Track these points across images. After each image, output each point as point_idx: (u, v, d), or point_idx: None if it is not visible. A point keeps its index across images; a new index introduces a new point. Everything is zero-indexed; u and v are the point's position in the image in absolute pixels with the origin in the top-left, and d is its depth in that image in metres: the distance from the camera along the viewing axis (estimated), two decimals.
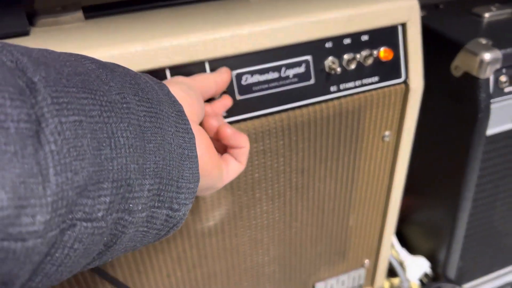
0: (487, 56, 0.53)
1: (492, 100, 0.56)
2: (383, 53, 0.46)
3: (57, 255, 0.19)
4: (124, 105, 0.23)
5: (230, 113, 0.43)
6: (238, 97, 0.43)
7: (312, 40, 0.43)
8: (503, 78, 0.56)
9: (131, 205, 0.23)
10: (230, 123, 0.43)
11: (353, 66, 0.45)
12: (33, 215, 0.17)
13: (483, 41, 0.56)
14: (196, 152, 0.29)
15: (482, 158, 0.60)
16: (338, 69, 0.44)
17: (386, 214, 0.59)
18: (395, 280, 0.71)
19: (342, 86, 0.46)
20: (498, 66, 0.54)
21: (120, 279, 0.47)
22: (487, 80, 0.55)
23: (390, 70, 0.47)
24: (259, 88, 0.43)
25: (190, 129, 0.29)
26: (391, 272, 0.72)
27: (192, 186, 0.29)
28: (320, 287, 0.62)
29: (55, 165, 0.18)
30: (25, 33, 0.41)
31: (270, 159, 0.47)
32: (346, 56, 0.45)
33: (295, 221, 0.54)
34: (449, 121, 0.61)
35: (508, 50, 0.54)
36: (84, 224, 0.20)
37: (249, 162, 0.46)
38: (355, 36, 0.45)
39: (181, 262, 0.50)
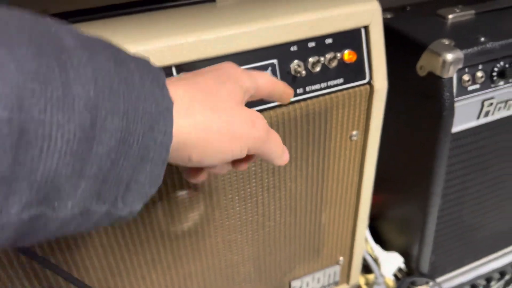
0: (449, 56, 0.55)
1: (456, 99, 0.59)
2: (347, 55, 0.47)
3: None
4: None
5: None
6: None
7: (277, 44, 0.44)
8: (466, 77, 0.58)
9: (56, 204, 0.21)
10: None
11: (318, 68, 0.47)
12: None
13: (446, 41, 0.58)
14: (166, 156, 0.25)
15: (449, 155, 0.62)
16: (304, 72, 0.46)
17: (358, 211, 0.61)
18: (370, 276, 0.73)
19: (308, 88, 0.47)
20: (460, 65, 0.56)
21: (94, 282, 0.48)
22: (451, 79, 0.57)
23: (354, 71, 0.49)
24: None
25: (170, 132, 0.25)
26: (366, 269, 0.74)
27: (147, 191, 0.26)
28: (296, 285, 0.64)
29: None
30: None
31: None
32: (311, 59, 0.46)
33: (268, 221, 0.55)
34: (417, 119, 0.63)
35: (470, 50, 0.56)
36: None
37: None
38: (319, 39, 0.46)
39: (155, 264, 0.50)
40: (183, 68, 0.41)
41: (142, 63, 0.26)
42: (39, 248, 0.43)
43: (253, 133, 0.30)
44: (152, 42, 0.39)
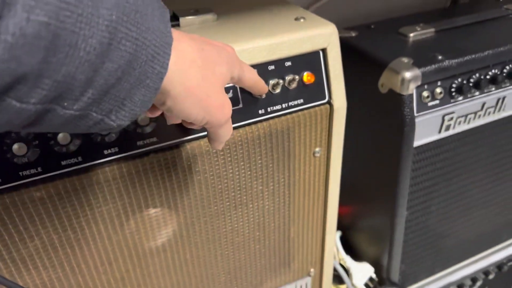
0: (407, 74, 0.58)
1: (416, 114, 0.61)
2: (306, 77, 0.50)
3: None
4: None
5: (162, 138, 0.45)
6: (171, 123, 0.45)
7: None
8: (425, 94, 0.61)
9: (65, 104, 0.25)
10: (163, 148, 0.46)
11: (278, 90, 0.49)
12: None
13: (405, 60, 0.60)
14: (159, 85, 0.29)
15: (412, 167, 0.65)
16: (264, 94, 0.47)
17: (325, 224, 0.62)
18: (343, 287, 0.75)
19: (269, 109, 0.49)
20: (419, 83, 0.59)
21: None
22: (410, 96, 0.60)
23: (314, 92, 0.51)
24: None
25: (167, 64, 0.29)
26: (339, 279, 0.75)
27: (137, 111, 0.29)
28: None
29: (5, 47, 0.20)
30: None
31: (206, 179, 0.50)
32: (271, 81, 0.48)
33: (236, 236, 0.56)
34: (380, 134, 0.65)
35: (427, 68, 0.59)
36: (14, 102, 0.23)
37: (189, 182, 0.49)
38: (279, 62, 0.48)
39: (125, 282, 0.52)
40: None
41: None
42: (4, 266, 0.44)
43: (218, 115, 0.35)
44: None
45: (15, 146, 0.39)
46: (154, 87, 0.29)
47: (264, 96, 0.49)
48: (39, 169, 0.41)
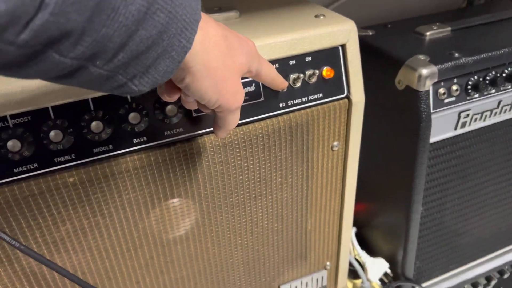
0: (424, 71, 0.59)
1: (433, 111, 0.62)
2: (326, 72, 0.51)
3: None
4: None
5: (187, 129, 0.47)
6: (194, 114, 0.47)
7: None
8: (442, 91, 0.62)
9: (97, 62, 0.26)
10: (188, 139, 0.48)
11: (298, 84, 0.50)
12: (19, 31, 0.22)
13: (422, 57, 0.61)
14: (183, 58, 0.30)
15: (428, 164, 0.66)
16: (284, 89, 0.49)
17: (342, 218, 0.64)
18: (357, 281, 0.76)
19: (290, 102, 0.51)
20: (435, 79, 0.60)
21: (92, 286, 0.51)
22: (427, 92, 0.61)
23: (333, 86, 0.53)
24: None
25: (192, 40, 0.30)
26: (354, 274, 0.76)
27: (159, 79, 0.30)
28: None
29: (57, 2, 0.22)
30: None
31: (229, 169, 0.52)
32: (292, 76, 0.50)
33: (255, 227, 0.58)
34: (396, 131, 0.66)
35: (444, 66, 0.60)
36: (54, 54, 0.24)
37: (212, 172, 0.51)
38: (299, 57, 0.50)
39: (149, 268, 0.54)
40: None
41: None
42: (38, 249, 0.46)
43: (231, 100, 0.37)
44: None
45: (52, 134, 0.41)
46: (178, 60, 0.30)
47: (285, 90, 0.50)
48: (73, 156, 0.43)
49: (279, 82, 0.47)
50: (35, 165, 0.42)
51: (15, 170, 0.42)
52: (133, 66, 0.28)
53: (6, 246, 0.45)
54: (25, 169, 0.42)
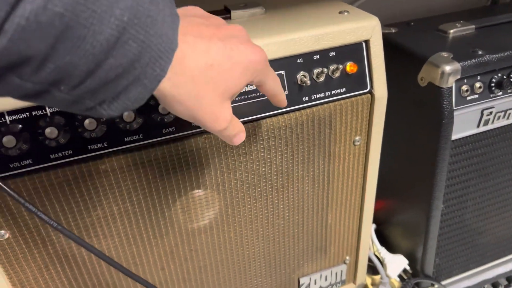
0: (447, 68, 0.60)
1: (455, 108, 0.62)
2: (349, 67, 0.52)
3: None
4: None
5: None
6: None
7: (285, 56, 0.50)
8: (464, 88, 0.62)
9: (62, 88, 0.26)
10: None
11: (322, 78, 0.52)
12: None
13: (445, 54, 0.62)
14: (156, 86, 0.29)
15: (449, 161, 0.66)
16: (309, 82, 0.50)
17: (362, 212, 0.65)
18: (376, 277, 0.76)
19: (313, 97, 0.52)
20: (458, 76, 0.61)
21: (118, 272, 0.53)
22: (450, 89, 0.61)
23: (356, 81, 0.54)
24: (239, 99, 0.49)
25: (167, 68, 0.29)
26: (373, 270, 0.77)
27: (129, 105, 0.30)
28: (305, 281, 0.68)
29: (16, 29, 0.22)
30: None
31: (252, 161, 0.53)
32: (315, 70, 0.51)
33: (277, 219, 0.59)
34: (418, 127, 0.67)
35: (467, 63, 0.60)
36: (15, 78, 0.24)
37: (233, 165, 0.52)
38: (323, 52, 0.51)
39: (174, 256, 0.55)
40: None
41: (167, 4, 0.30)
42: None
43: (209, 124, 0.35)
44: None
45: (86, 122, 0.43)
46: (150, 87, 0.29)
47: (282, 107, 0.49)
48: (105, 144, 0.45)
49: (279, 99, 0.43)
50: (70, 151, 0.44)
51: (52, 156, 0.44)
52: (102, 93, 0.28)
53: (41, 230, 0.47)
54: (61, 155, 0.44)
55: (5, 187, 0.36)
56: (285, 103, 0.44)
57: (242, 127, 0.39)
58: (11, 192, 0.36)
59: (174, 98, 0.32)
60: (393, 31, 0.72)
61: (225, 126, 0.36)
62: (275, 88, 0.41)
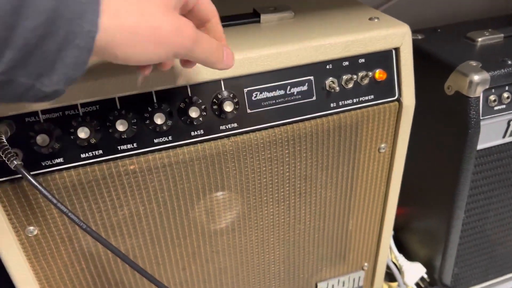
0: (476, 77, 0.59)
1: (482, 117, 0.62)
2: (378, 74, 0.52)
3: None
4: None
5: (241, 125, 0.49)
6: (249, 111, 0.49)
7: (314, 62, 0.49)
8: (492, 98, 0.61)
9: None
10: (241, 133, 0.49)
11: (350, 85, 0.51)
12: None
13: (474, 63, 0.61)
14: (92, 45, 0.27)
15: (473, 170, 0.65)
16: (337, 88, 0.50)
17: (384, 220, 0.64)
18: (393, 284, 0.76)
19: (341, 103, 0.52)
20: (486, 86, 0.60)
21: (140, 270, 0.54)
22: (477, 99, 0.61)
23: (384, 89, 0.53)
24: (267, 104, 0.49)
25: (97, 24, 0.26)
26: (390, 277, 0.77)
27: (71, 74, 0.27)
28: (322, 286, 0.68)
29: None
30: None
31: (276, 166, 0.53)
32: (344, 77, 0.51)
33: (298, 223, 0.59)
34: (443, 136, 0.66)
35: (496, 72, 0.60)
36: None
37: (258, 168, 0.52)
38: (353, 59, 0.51)
39: (195, 256, 0.56)
40: (232, 82, 0.47)
41: None
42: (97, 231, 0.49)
43: (179, 41, 0.31)
44: None
45: (117, 123, 0.44)
46: (86, 48, 0.26)
47: (222, 66, 0.38)
48: (135, 145, 0.46)
49: (218, 31, 0.39)
50: (100, 151, 0.45)
51: (82, 156, 0.44)
52: (32, 64, 0.25)
53: (69, 228, 0.48)
54: (91, 155, 0.45)
55: (39, 187, 0.36)
56: (223, 38, 0.40)
57: (220, 43, 0.36)
58: (45, 192, 0.37)
59: (124, 36, 0.28)
60: (420, 37, 0.71)
61: (192, 32, 0.32)
62: (211, 9, 0.38)
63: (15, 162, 0.36)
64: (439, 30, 0.74)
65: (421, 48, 0.68)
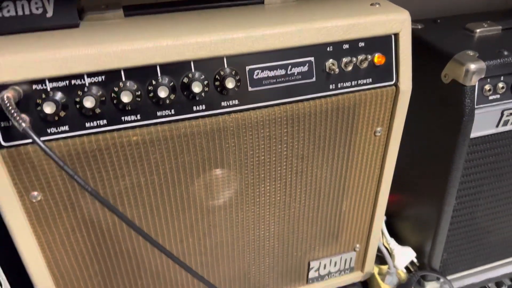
0: (472, 66, 0.60)
1: (476, 106, 0.63)
2: (377, 58, 0.53)
3: None
4: None
5: (242, 102, 0.50)
6: (250, 89, 0.50)
7: (315, 44, 0.51)
8: (487, 87, 0.63)
9: None
10: (241, 111, 0.51)
11: (350, 68, 0.53)
12: None
13: (471, 53, 0.62)
14: None
15: (466, 158, 0.67)
16: (337, 70, 0.52)
17: (376, 203, 0.66)
18: (384, 267, 0.78)
19: (339, 85, 0.53)
20: (482, 75, 0.61)
21: (140, 240, 0.55)
22: (473, 87, 0.62)
23: (382, 73, 0.55)
24: (268, 82, 0.51)
25: None
26: (381, 260, 0.79)
27: None
28: (315, 265, 0.70)
29: None
30: (76, 26, 0.49)
31: (275, 144, 0.55)
32: (344, 59, 0.52)
33: (294, 202, 0.61)
34: (438, 123, 0.68)
35: (492, 62, 0.61)
36: None
37: (256, 146, 0.54)
38: (353, 42, 0.52)
39: (193, 229, 0.57)
40: (234, 60, 0.48)
41: None
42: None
43: None
44: (209, 35, 0.46)
45: (123, 94, 0.45)
46: None
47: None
48: (138, 117, 0.47)
49: None
50: (105, 121, 0.46)
51: (87, 125, 0.46)
52: None
53: (71, 195, 0.49)
54: (95, 124, 0.46)
55: (46, 149, 0.38)
56: None
57: None
58: (51, 154, 0.38)
59: None
60: (419, 27, 0.72)
61: None
62: None
63: (23, 125, 0.38)
64: (438, 21, 0.75)
65: (420, 37, 0.69)
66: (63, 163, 0.38)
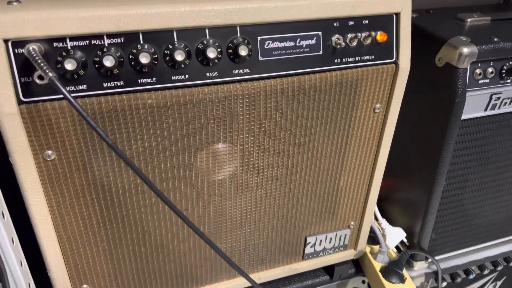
0: (465, 50, 0.64)
1: (468, 89, 0.67)
2: (380, 35, 0.56)
3: None
4: None
5: (252, 71, 0.52)
6: (260, 58, 0.52)
7: (323, 18, 0.53)
8: (478, 71, 0.67)
9: None
10: (251, 80, 0.53)
11: (354, 43, 0.55)
12: None
13: (463, 38, 0.66)
14: None
15: (456, 140, 0.71)
16: (343, 44, 0.54)
17: (372, 180, 0.69)
18: (375, 247, 0.81)
19: (344, 60, 0.56)
20: (474, 59, 0.65)
21: (147, 204, 0.56)
22: (465, 70, 0.66)
23: (384, 50, 0.58)
24: (278, 53, 0.53)
25: None
26: (373, 240, 0.81)
27: None
28: (311, 241, 0.72)
29: None
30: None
31: (280, 115, 0.57)
32: (349, 35, 0.55)
33: (295, 175, 0.63)
34: (431, 106, 0.71)
35: (483, 47, 0.65)
36: None
37: (263, 116, 0.56)
38: (358, 19, 0.55)
39: (198, 198, 0.59)
40: (247, 29, 0.50)
41: None
42: (110, 162, 0.51)
43: None
44: (223, 3, 0.48)
45: (141, 55, 0.46)
46: None
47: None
48: (154, 80, 0.49)
49: None
50: (121, 82, 0.47)
51: (104, 85, 0.47)
52: None
53: (85, 155, 0.50)
54: (113, 85, 0.47)
55: (69, 97, 0.39)
56: None
57: None
58: (75, 104, 0.39)
59: None
60: (414, 15, 0.76)
61: None
62: None
63: (50, 74, 0.39)
64: (431, 11, 0.79)
65: (415, 25, 0.73)
66: (86, 114, 0.39)
